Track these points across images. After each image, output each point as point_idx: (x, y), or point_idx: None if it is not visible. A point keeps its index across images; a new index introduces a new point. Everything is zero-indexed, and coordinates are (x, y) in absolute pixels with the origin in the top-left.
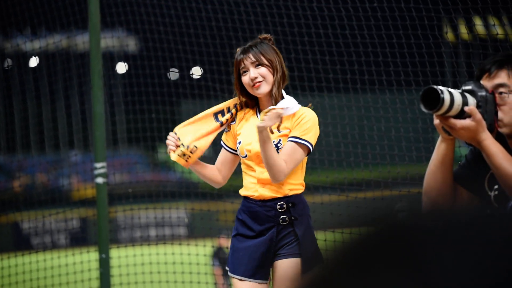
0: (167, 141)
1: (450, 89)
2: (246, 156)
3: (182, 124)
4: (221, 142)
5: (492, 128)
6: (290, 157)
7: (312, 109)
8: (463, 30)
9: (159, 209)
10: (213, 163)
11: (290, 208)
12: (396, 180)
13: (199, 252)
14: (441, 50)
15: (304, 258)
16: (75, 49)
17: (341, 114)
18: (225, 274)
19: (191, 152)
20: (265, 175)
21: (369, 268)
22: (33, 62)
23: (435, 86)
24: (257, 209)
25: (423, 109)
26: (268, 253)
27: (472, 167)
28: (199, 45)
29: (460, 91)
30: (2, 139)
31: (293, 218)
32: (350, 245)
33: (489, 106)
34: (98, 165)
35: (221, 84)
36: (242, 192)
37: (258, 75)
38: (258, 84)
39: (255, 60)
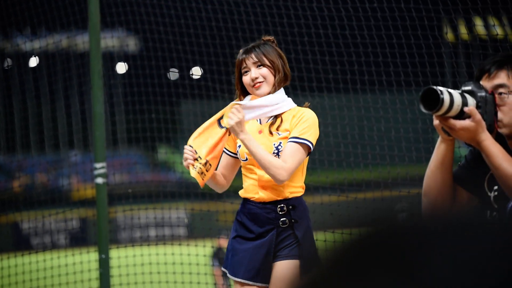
0: (185, 155)
1: (449, 90)
2: (246, 159)
3: (193, 136)
4: None
5: (492, 128)
6: (290, 157)
7: (310, 108)
8: (463, 30)
9: (159, 209)
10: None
11: (290, 211)
12: (396, 180)
13: (199, 253)
14: (441, 50)
15: (304, 261)
16: (75, 49)
17: (341, 115)
18: (224, 274)
19: (206, 170)
20: (266, 177)
21: (364, 271)
22: (33, 62)
23: (434, 87)
24: (257, 211)
25: (423, 110)
26: (268, 255)
27: (472, 167)
28: (199, 45)
29: (459, 91)
30: (2, 139)
31: (293, 220)
32: (345, 247)
33: (488, 107)
34: (98, 165)
35: (221, 84)
36: (242, 194)
37: (259, 76)
38: (258, 84)
39: (257, 60)
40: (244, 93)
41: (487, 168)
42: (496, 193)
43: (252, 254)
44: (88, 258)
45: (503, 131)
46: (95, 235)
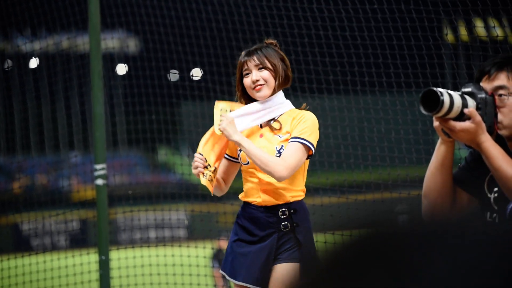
0: (196, 163)
1: (449, 91)
2: (248, 163)
3: (202, 143)
4: None
5: (492, 130)
6: (289, 155)
7: (308, 110)
8: (463, 31)
9: (159, 210)
10: None
11: (292, 215)
12: (396, 182)
13: (198, 254)
14: (441, 51)
15: (304, 263)
16: (75, 50)
17: (341, 116)
18: (224, 276)
19: (214, 177)
20: (267, 181)
21: (364, 272)
22: (33, 63)
23: (434, 88)
24: (258, 215)
25: (423, 111)
26: (268, 259)
27: (472, 169)
28: (199, 46)
29: (459, 93)
30: (2, 139)
31: (294, 224)
32: (345, 248)
33: (488, 108)
34: (98, 166)
35: (221, 86)
36: (243, 197)
37: (260, 78)
38: (259, 87)
39: (258, 63)
40: (245, 95)
41: (487, 170)
42: (496, 194)
43: (253, 257)
44: (88, 259)
45: (503, 132)
46: (95, 236)
